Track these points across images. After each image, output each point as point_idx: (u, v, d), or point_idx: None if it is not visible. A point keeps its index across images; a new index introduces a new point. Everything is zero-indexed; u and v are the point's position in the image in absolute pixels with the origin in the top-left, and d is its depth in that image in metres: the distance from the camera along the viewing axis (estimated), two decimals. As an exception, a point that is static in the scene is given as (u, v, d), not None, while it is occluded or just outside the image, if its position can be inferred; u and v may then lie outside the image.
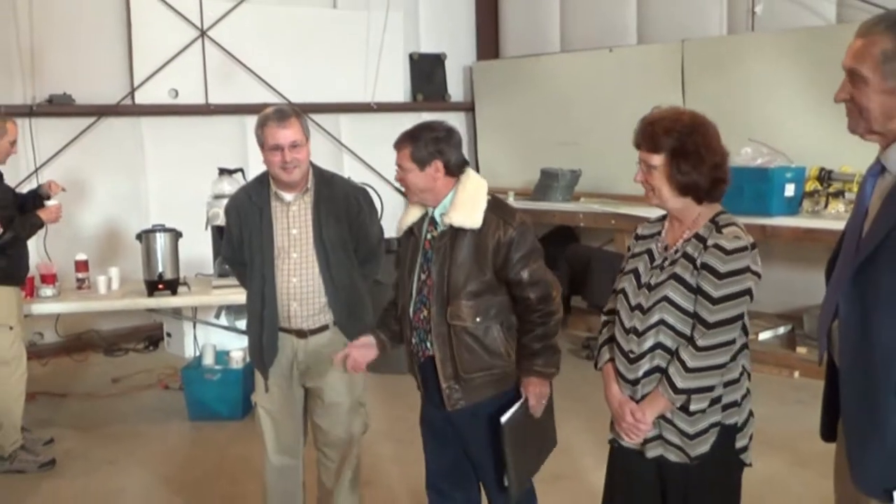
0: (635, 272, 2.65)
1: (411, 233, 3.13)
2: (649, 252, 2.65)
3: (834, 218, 5.80)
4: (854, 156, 5.23)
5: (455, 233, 2.96)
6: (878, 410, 2.07)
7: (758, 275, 2.48)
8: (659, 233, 2.67)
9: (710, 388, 2.49)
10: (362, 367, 3.21)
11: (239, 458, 4.91)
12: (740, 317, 2.47)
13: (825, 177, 6.06)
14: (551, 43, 8.76)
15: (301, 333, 3.43)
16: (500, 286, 2.99)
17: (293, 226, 3.39)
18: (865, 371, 2.09)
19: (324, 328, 3.44)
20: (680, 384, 2.47)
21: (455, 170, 3.01)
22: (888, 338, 2.03)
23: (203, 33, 7.56)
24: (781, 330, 6.73)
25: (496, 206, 3.02)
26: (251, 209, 3.42)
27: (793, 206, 6.08)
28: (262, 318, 3.42)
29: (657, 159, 2.52)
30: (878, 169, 2.16)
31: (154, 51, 7.37)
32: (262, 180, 3.48)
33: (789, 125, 6.33)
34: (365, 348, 3.19)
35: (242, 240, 3.45)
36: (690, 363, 2.46)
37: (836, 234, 2.32)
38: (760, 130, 6.32)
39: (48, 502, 4.44)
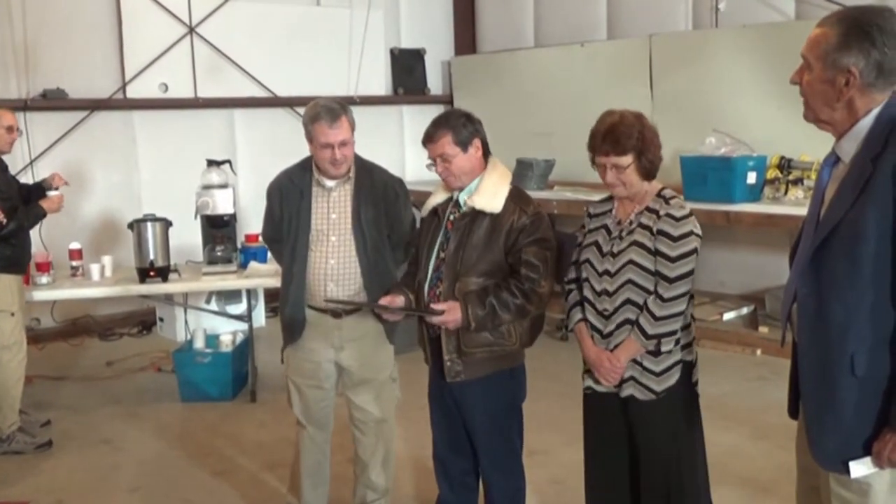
0: (596, 244, 2.93)
1: (435, 213, 3.19)
2: (605, 227, 2.94)
3: (793, 204, 5.82)
4: (812, 145, 5.28)
5: (475, 215, 3.03)
6: (834, 387, 2.08)
7: (699, 237, 2.80)
8: (610, 210, 2.96)
9: (674, 332, 2.81)
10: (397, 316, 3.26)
11: (228, 437, 4.90)
12: (692, 271, 2.79)
13: (785, 165, 6.08)
14: (526, 38, 8.74)
15: (336, 314, 3.40)
16: (507, 269, 3.03)
17: (333, 210, 3.39)
18: (821, 350, 2.11)
19: (358, 309, 3.42)
20: (650, 331, 2.78)
21: (487, 149, 3.11)
22: (842, 317, 2.06)
23: (192, 30, 7.49)
24: (744, 310, 6.76)
25: (516, 194, 3.09)
26: (293, 191, 3.43)
27: (755, 193, 6.10)
28: (288, 294, 3.44)
29: (627, 159, 2.79)
30: (834, 159, 2.18)
31: (144, 46, 7.29)
32: (305, 166, 3.47)
33: (751, 116, 6.34)
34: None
35: (282, 219, 3.45)
36: (658, 312, 2.77)
37: (796, 220, 2.35)
38: (724, 121, 6.34)
39: (46, 481, 4.40)
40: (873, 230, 1.99)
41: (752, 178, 6.09)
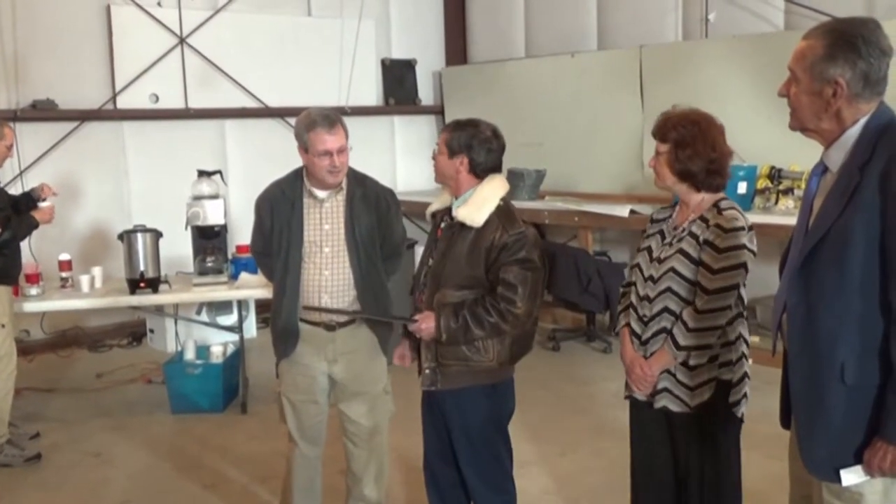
0: (649, 249, 2.93)
1: (434, 219, 3.21)
2: (661, 232, 2.94)
3: (784, 214, 5.84)
4: (802, 155, 5.29)
5: (461, 227, 3.02)
6: (824, 396, 2.09)
7: (753, 252, 2.73)
8: (670, 216, 2.96)
9: (709, 347, 2.76)
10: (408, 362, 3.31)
11: (219, 449, 4.88)
12: (736, 286, 2.72)
13: (775, 175, 6.10)
14: (516, 49, 8.77)
15: (330, 326, 3.38)
16: (488, 285, 3.00)
17: (325, 221, 3.37)
18: (811, 358, 2.12)
19: (351, 321, 3.40)
20: (682, 342, 2.75)
21: (479, 172, 3.06)
22: (831, 326, 2.07)
23: (182, 40, 7.49)
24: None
25: (503, 212, 3.04)
26: (283, 202, 3.40)
27: (745, 203, 6.11)
28: (281, 307, 3.41)
29: (663, 147, 2.81)
30: (822, 168, 2.19)
31: (135, 57, 7.28)
32: (297, 176, 3.44)
33: (741, 126, 6.33)
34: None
35: (273, 232, 3.42)
36: (691, 324, 2.73)
37: (786, 229, 2.36)
38: None
39: (35, 494, 4.38)
40: (861, 238, 2.01)
41: (742, 187, 6.11)
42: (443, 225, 3.13)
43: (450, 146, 3.04)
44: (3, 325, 4.63)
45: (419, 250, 3.35)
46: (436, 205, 3.21)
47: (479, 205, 3.00)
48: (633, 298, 2.94)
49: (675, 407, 2.82)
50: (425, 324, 2.98)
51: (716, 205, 2.81)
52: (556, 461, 4.52)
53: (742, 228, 2.73)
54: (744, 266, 2.71)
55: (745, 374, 2.83)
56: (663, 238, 2.91)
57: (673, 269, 2.78)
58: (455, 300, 2.98)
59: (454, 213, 3.04)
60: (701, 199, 2.82)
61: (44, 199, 4.98)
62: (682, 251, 2.78)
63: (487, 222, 2.97)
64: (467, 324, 2.93)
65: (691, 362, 2.77)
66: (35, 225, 4.84)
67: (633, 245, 3.09)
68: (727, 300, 2.72)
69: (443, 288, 3.01)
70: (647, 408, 2.92)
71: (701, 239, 2.75)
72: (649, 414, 2.92)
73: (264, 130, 7.90)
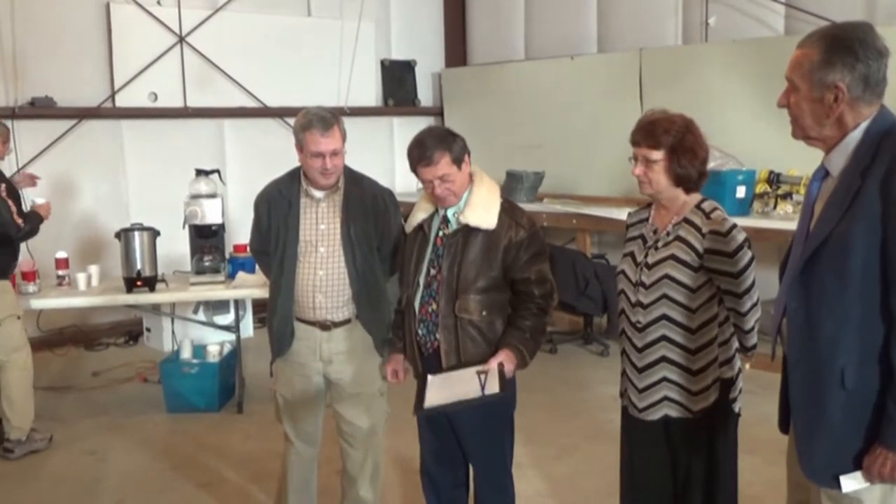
0: (632, 255, 2.88)
1: (420, 229, 3.16)
2: (642, 236, 2.88)
3: (782, 218, 5.83)
4: (801, 159, 5.29)
5: (468, 231, 3.00)
6: (824, 401, 2.08)
7: (749, 243, 2.71)
8: (647, 218, 2.90)
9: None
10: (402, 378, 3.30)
11: (214, 448, 4.87)
12: (755, 280, 2.71)
13: (774, 179, 6.10)
14: (516, 51, 8.77)
15: (325, 326, 3.38)
16: (506, 284, 3.02)
17: (321, 221, 3.36)
18: (811, 364, 2.11)
19: (347, 321, 3.40)
20: (749, 343, 2.77)
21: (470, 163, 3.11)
22: (831, 331, 2.06)
23: (182, 39, 7.48)
24: (733, 324, 6.76)
25: (509, 208, 3.06)
26: (281, 201, 3.41)
27: (744, 207, 6.11)
28: (276, 306, 3.41)
29: (657, 154, 2.71)
30: (823, 173, 2.18)
31: (134, 56, 7.28)
32: (294, 176, 3.44)
33: (740, 130, 6.37)
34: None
35: (270, 230, 3.43)
36: (746, 325, 2.74)
37: (785, 234, 2.35)
38: (713, 135, 6.19)
39: (29, 492, 4.36)
40: (862, 243, 2.00)
41: (741, 192, 6.11)
42: (441, 234, 3.09)
43: (456, 161, 3.00)
44: (18, 317, 4.69)
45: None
46: (420, 214, 3.16)
47: (486, 206, 3.00)
48: (624, 304, 2.87)
49: (675, 413, 2.78)
50: (508, 364, 2.95)
51: (699, 207, 2.76)
52: (551, 464, 4.51)
53: (735, 226, 2.72)
54: (753, 258, 2.70)
55: (739, 369, 2.85)
56: (645, 242, 2.85)
57: (668, 276, 2.72)
58: (478, 305, 2.97)
59: (461, 219, 3.00)
60: (683, 202, 2.78)
61: (23, 188, 5.03)
62: (674, 257, 2.72)
63: (497, 221, 2.98)
64: (533, 329, 2.99)
65: (696, 366, 2.73)
66: (41, 220, 4.88)
67: (630, 248, 3.04)
68: (756, 294, 2.72)
69: (462, 295, 2.98)
70: (643, 418, 2.85)
71: (700, 249, 2.68)
72: (645, 423, 2.86)
73: (263, 130, 7.89)
